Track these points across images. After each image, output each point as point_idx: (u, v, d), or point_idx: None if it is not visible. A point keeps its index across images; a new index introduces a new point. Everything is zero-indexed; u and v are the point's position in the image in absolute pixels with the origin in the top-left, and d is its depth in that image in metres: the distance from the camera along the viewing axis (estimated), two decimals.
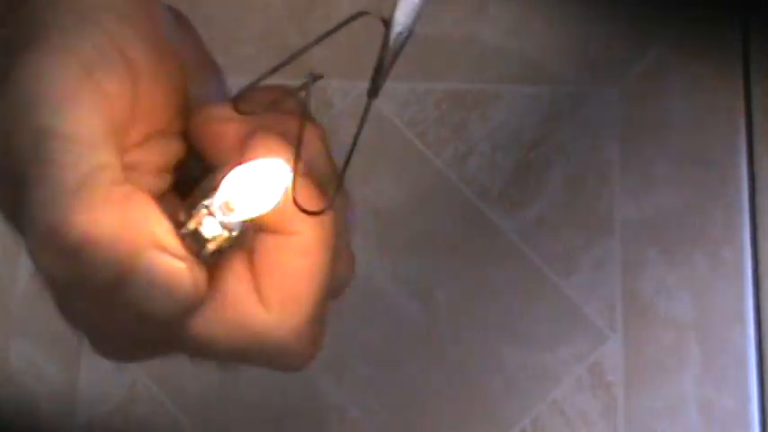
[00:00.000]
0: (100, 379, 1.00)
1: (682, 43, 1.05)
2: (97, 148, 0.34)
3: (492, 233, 1.02)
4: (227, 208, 0.35)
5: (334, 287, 0.38)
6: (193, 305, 0.34)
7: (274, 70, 0.35)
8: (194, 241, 0.35)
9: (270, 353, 0.36)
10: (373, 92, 0.36)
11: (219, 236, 0.35)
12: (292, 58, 0.35)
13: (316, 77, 0.36)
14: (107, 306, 0.34)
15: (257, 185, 0.35)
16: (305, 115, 0.36)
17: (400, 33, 0.35)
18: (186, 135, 0.38)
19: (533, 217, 1.02)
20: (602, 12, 1.06)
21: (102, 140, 0.34)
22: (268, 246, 0.36)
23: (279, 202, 0.35)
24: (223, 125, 0.36)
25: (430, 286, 1.01)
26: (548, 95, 1.05)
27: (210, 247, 0.35)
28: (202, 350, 0.36)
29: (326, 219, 0.36)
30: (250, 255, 0.36)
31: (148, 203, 0.34)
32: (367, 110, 0.35)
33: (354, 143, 0.36)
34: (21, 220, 0.34)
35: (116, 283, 0.33)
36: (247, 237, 0.36)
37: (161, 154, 0.37)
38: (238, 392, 0.99)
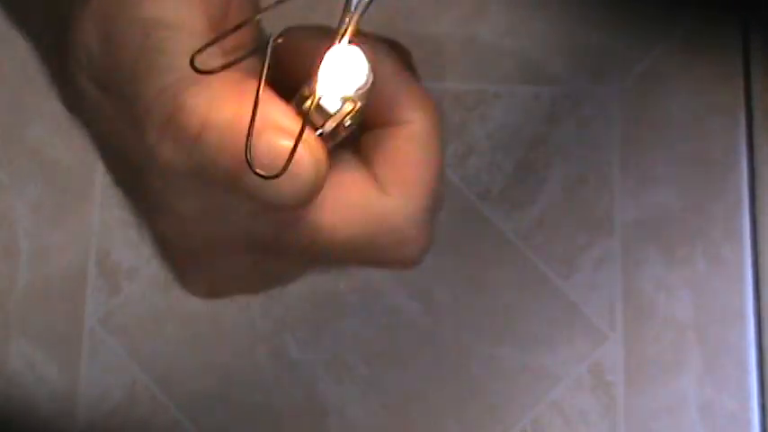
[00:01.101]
0: (100, 379, 1.00)
1: (682, 43, 1.05)
2: (203, 37, 0.33)
3: (492, 233, 1.02)
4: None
5: (439, 203, 0.37)
6: (316, 188, 0.33)
7: (237, 28, 0.35)
8: (318, 118, 0.33)
9: (390, 239, 0.35)
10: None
11: (343, 110, 0.34)
12: (246, 21, 0.35)
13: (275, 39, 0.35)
14: (223, 201, 0.33)
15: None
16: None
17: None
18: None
19: (533, 217, 1.02)
20: (602, 12, 1.06)
21: (205, 30, 0.34)
22: (380, 138, 0.36)
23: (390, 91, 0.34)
24: (319, 40, 0.35)
25: (430, 286, 1.01)
26: (548, 95, 1.05)
27: (333, 123, 0.34)
28: (320, 241, 0.34)
29: (435, 109, 0.36)
30: (362, 149, 0.36)
31: (265, 86, 0.33)
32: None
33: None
34: (128, 122, 0.33)
35: (236, 168, 0.32)
36: (356, 135, 0.36)
37: (253, 69, 0.36)
38: (238, 392, 0.99)
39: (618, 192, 1.02)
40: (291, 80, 0.35)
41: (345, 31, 0.34)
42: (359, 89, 0.34)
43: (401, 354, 1.00)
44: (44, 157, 1.05)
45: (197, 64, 0.32)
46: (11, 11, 0.39)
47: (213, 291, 0.38)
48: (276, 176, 0.32)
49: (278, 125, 0.33)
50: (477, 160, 1.03)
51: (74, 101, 0.36)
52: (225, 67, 0.33)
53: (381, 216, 0.35)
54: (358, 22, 0.34)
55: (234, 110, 0.32)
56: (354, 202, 0.35)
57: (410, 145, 0.35)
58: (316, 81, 0.34)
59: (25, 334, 1.01)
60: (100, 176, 1.03)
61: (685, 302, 1.00)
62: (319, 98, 0.33)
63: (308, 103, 0.34)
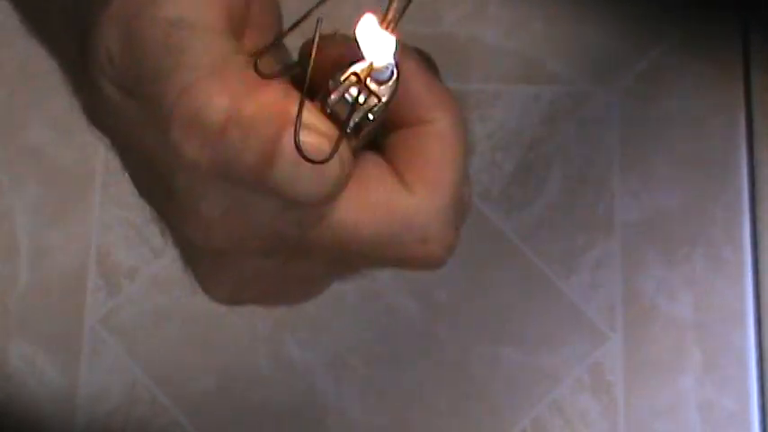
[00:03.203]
0: (100, 379, 1.00)
1: (682, 43, 1.05)
2: (224, 36, 0.34)
3: (492, 233, 1.02)
4: (376, 68, 0.34)
5: (464, 203, 0.37)
6: (340, 184, 0.33)
7: (290, 30, 0.35)
8: (343, 111, 0.33)
9: (415, 237, 0.35)
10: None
11: (368, 103, 0.34)
12: (302, 19, 0.35)
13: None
14: (247, 200, 0.33)
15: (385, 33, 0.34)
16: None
17: None
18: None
19: (533, 217, 1.02)
20: (602, 12, 1.06)
21: (226, 29, 0.34)
22: (404, 137, 0.36)
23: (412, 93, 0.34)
24: (341, 47, 0.35)
25: (429, 286, 1.01)
26: (548, 95, 1.05)
27: (357, 117, 0.34)
28: (345, 240, 0.34)
29: (459, 108, 0.36)
30: (386, 150, 0.36)
31: (286, 84, 0.34)
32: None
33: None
34: (151, 123, 0.34)
35: (262, 163, 0.32)
36: (375, 135, 0.36)
37: (274, 70, 0.36)
38: (238, 393, 0.99)
39: (618, 192, 1.02)
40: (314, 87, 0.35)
41: (388, 16, 0.34)
42: (382, 81, 0.34)
43: (401, 354, 1.00)
44: (44, 157, 1.05)
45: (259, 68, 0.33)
46: (32, 23, 0.39)
47: (235, 296, 0.37)
48: (325, 161, 0.32)
49: (303, 121, 0.33)
50: (477, 160, 1.03)
51: (96, 110, 0.36)
52: (284, 73, 0.34)
53: (406, 214, 0.35)
54: (400, 13, 0.34)
55: (257, 106, 0.32)
56: (379, 199, 0.35)
57: (434, 144, 0.35)
58: (341, 72, 0.34)
59: (25, 334, 1.01)
60: (100, 176, 1.03)
61: (685, 302, 1.00)
62: (368, 67, 0.34)
63: (335, 95, 0.34)
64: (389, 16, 0.34)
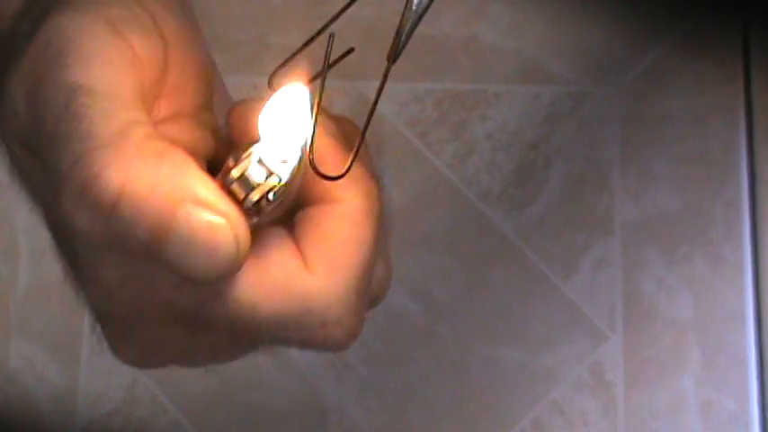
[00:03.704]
0: (100, 379, 1.00)
1: (682, 43, 1.05)
2: (129, 105, 0.33)
3: (492, 233, 1.02)
4: (276, 146, 0.33)
5: (374, 291, 0.36)
6: (236, 263, 0.32)
7: (301, 49, 0.34)
8: (242, 188, 0.33)
9: (314, 320, 0.34)
10: (392, 55, 0.34)
11: (268, 183, 0.33)
12: (316, 35, 0.35)
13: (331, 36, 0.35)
14: (144, 271, 0.33)
15: (295, 112, 0.33)
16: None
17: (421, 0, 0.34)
18: (215, 134, 0.36)
19: (533, 217, 1.02)
20: (602, 12, 1.06)
21: (132, 98, 0.33)
22: (312, 215, 0.35)
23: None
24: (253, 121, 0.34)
25: (430, 286, 1.01)
26: (548, 95, 1.05)
27: (256, 196, 0.33)
28: (242, 319, 0.34)
29: (373, 190, 0.35)
30: (292, 227, 0.35)
31: (185, 158, 0.33)
32: (386, 75, 0.34)
33: (371, 113, 0.35)
34: (48, 187, 0.33)
35: (154, 240, 0.31)
36: (287, 211, 0.35)
37: (192, 137, 0.35)
38: (238, 393, 0.99)
39: (618, 192, 1.02)
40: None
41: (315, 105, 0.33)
42: (285, 162, 0.33)
43: (401, 354, 1.00)
44: None
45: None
46: None
47: (144, 360, 0.37)
48: (337, 178, 0.32)
49: (198, 198, 0.32)
50: (477, 160, 1.03)
51: (9, 164, 0.35)
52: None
53: (305, 296, 0.34)
54: (320, 104, 0.33)
55: (151, 180, 0.31)
56: (278, 280, 0.34)
57: (341, 224, 0.34)
58: (243, 148, 0.33)
59: (25, 334, 1.01)
60: None
61: (685, 302, 1.00)
62: (248, 169, 0.33)
63: (235, 171, 0.33)
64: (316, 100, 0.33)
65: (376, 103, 0.35)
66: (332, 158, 0.34)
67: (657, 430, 0.98)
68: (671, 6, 1.06)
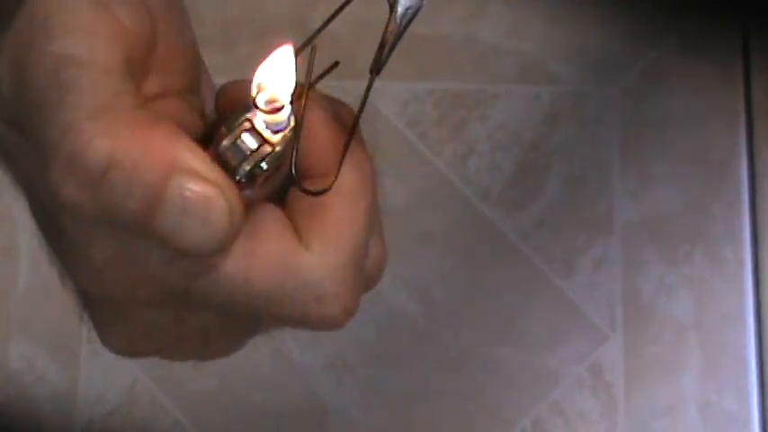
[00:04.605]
0: (100, 379, 1.00)
1: (682, 43, 1.05)
2: (117, 76, 0.32)
3: (492, 233, 1.02)
4: (271, 107, 0.32)
5: (369, 271, 0.36)
6: (230, 234, 0.31)
7: (300, 49, 0.34)
8: (234, 157, 0.32)
9: (310, 294, 0.34)
10: (376, 68, 0.34)
11: (260, 151, 0.33)
12: (314, 36, 0.34)
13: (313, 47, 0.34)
14: (134, 247, 0.32)
15: (284, 70, 0.33)
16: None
17: (408, 9, 0.34)
18: (202, 116, 0.36)
19: (533, 217, 1.02)
20: (602, 12, 1.06)
21: (120, 69, 0.32)
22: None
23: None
24: (243, 91, 0.33)
25: (430, 286, 1.01)
26: (548, 95, 1.05)
27: (248, 165, 0.32)
28: (235, 295, 0.33)
29: (367, 166, 0.35)
30: (288, 204, 0.35)
31: (176, 128, 0.32)
32: (369, 86, 0.34)
33: (357, 120, 0.35)
34: (36, 162, 0.32)
35: (145, 210, 0.31)
36: (278, 190, 0.34)
37: (179, 115, 0.35)
38: (238, 393, 0.99)
39: (618, 192, 1.02)
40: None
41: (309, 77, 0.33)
42: (278, 129, 0.33)
43: (401, 354, 1.00)
44: None
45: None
46: None
47: (132, 347, 0.36)
48: (322, 192, 0.32)
49: (190, 168, 0.31)
50: (477, 160, 1.03)
51: None
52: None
53: (299, 271, 0.33)
54: (313, 85, 0.33)
55: (142, 149, 0.31)
56: (271, 254, 0.33)
57: (335, 199, 0.34)
58: (234, 118, 0.33)
59: (25, 334, 1.01)
60: None
61: (685, 302, 1.00)
62: (241, 137, 0.32)
63: (226, 141, 0.32)
64: (313, 44, 0.33)
65: (359, 117, 0.35)
66: (325, 153, 0.34)
67: (657, 430, 0.98)
68: (671, 7, 1.06)
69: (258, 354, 1.00)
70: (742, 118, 1.03)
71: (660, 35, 1.06)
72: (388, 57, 0.34)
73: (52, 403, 1.00)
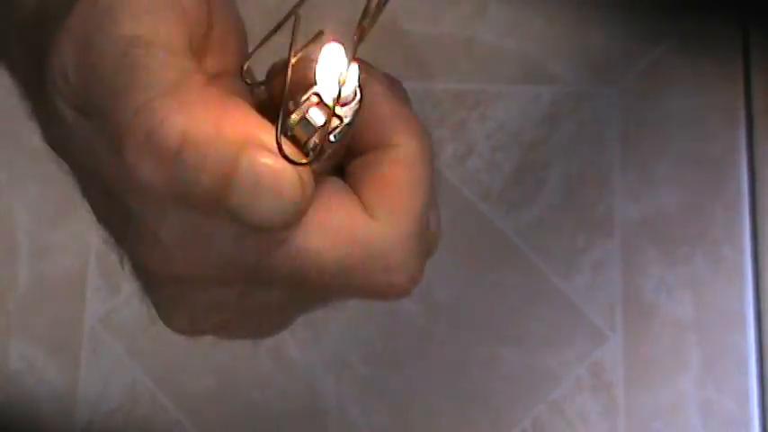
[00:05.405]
0: (100, 379, 1.00)
1: (682, 43, 1.05)
2: (183, 55, 0.33)
3: (492, 233, 1.02)
4: (338, 81, 0.33)
5: (427, 241, 0.36)
6: (301, 207, 0.32)
7: (274, 30, 0.35)
8: (303, 132, 0.33)
9: (378, 265, 0.34)
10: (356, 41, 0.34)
11: (329, 125, 0.33)
12: (283, 20, 0.35)
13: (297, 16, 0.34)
14: (204, 226, 0.32)
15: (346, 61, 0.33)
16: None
17: None
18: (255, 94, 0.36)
19: (533, 217, 1.02)
20: (602, 12, 1.06)
21: (185, 49, 0.33)
22: (367, 161, 0.35)
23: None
24: (305, 68, 0.34)
25: (430, 286, 1.01)
26: (548, 95, 1.05)
27: (317, 139, 0.33)
28: (306, 267, 0.33)
29: (425, 135, 0.35)
30: (350, 176, 0.35)
31: (245, 104, 0.33)
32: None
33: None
34: (106, 144, 0.33)
35: (218, 185, 0.31)
36: (337, 165, 0.35)
37: (239, 94, 0.35)
38: (238, 393, 0.99)
39: (618, 192, 1.02)
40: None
41: (357, 42, 0.33)
42: (344, 103, 0.33)
43: (401, 354, 1.00)
44: (44, 157, 1.04)
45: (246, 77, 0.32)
46: None
47: (195, 325, 0.37)
48: (307, 163, 0.32)
49: (262, 143, 0.32)
50: (477, 160, 1.03)
51: (53, 131, 0.35)
52: (254, 89, 0.33)
53: (368, 240, 0.34)
54: (363, 37, 0.34)
55: (215, 126, 0.31)
56: (341, 225, 0.34)
57: (399, 169, 0.35)
58: (300, 93, 0.33)
59: (25, 334, 1.01)
60: None
61: (685, 302, 1.00)
62: (309, 112, 0.33)
63: (295, 115, 0.33)
64: (364, 24, 0.33)
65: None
66: (386, 124, 0.35)
67: (658, 430, 0.98)
68: (671, 6, 1.06)
69: (258, 354, 1.00)
70: (742, 118, 1.03)
71: (660, 35, 1.06)
72: (367, 32, 0.34)
73: (52, 403, 1.00)
